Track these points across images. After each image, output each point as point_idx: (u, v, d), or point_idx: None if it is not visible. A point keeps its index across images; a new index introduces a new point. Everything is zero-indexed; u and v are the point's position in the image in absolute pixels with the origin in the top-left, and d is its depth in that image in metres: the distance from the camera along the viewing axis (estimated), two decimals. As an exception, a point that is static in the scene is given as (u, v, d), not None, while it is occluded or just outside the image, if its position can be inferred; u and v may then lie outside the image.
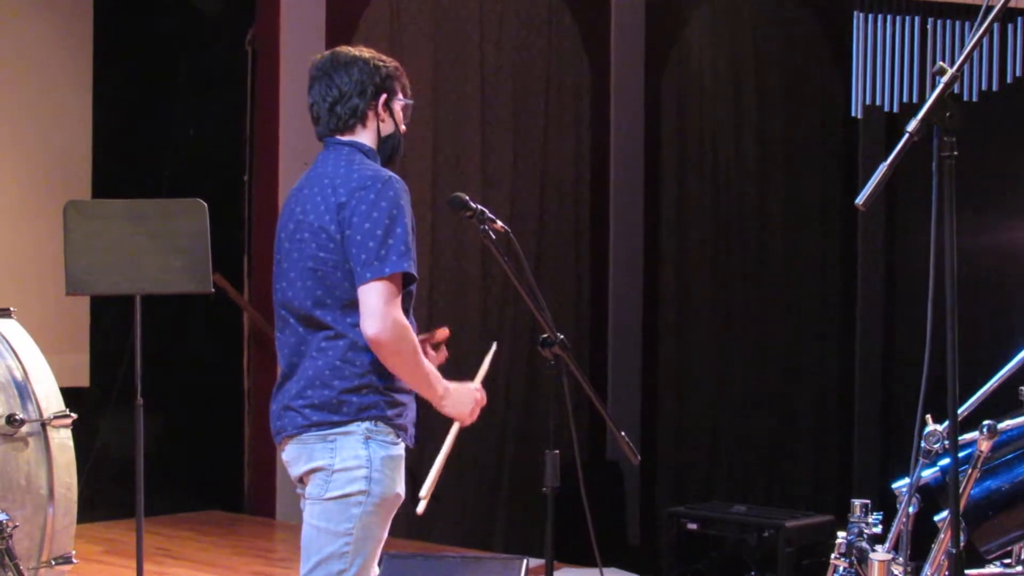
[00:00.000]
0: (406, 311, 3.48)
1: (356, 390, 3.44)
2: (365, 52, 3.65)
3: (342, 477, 3.43)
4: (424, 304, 8.45)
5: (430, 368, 3.53)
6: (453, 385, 3.58)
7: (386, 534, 3.52)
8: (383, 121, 3.62)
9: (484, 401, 3.65)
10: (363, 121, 3.59)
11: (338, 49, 3.67)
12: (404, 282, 3.45)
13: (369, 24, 8.43)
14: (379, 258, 3.37)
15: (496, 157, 9.11)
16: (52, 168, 7.83)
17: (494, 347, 3.88)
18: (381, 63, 3.62)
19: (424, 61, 8.66)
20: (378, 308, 3.37)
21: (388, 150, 3.64)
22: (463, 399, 3.59)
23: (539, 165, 9.40)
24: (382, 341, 3.38)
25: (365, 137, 3.60)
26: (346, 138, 3.59)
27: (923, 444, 3.51)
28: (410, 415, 3.55)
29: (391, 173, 3.50)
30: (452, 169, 8.84)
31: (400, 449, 3.50)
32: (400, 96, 3.65)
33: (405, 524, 7.54)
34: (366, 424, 3.43)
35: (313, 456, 3.46)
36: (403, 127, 3.67)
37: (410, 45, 8.54)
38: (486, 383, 3.69)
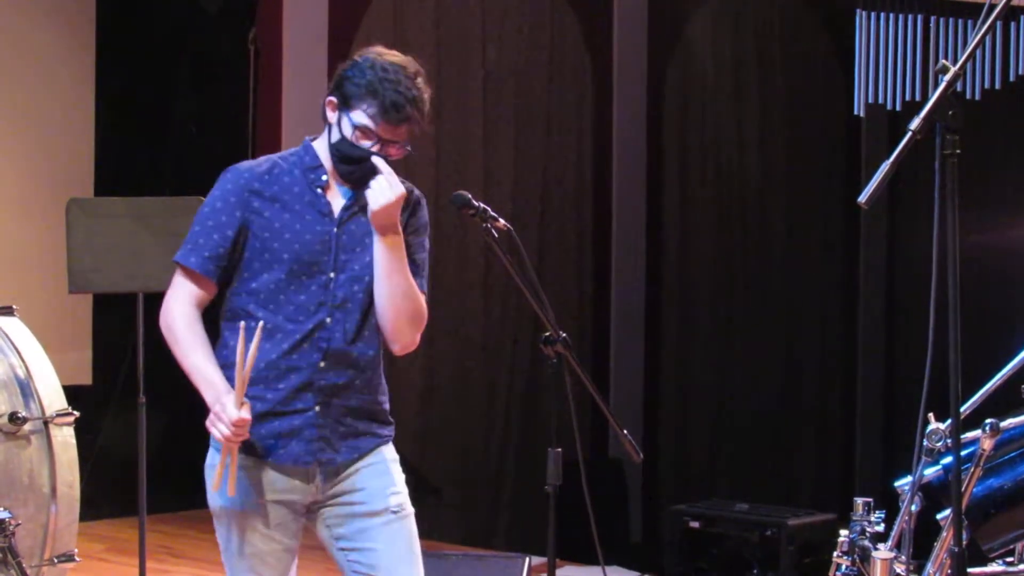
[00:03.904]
0: (237, 312, 3.37)
1: None
2: (385, 56, 3.39)
3: None
4: (426, 301, 8.42)
5: (200, 367, 3.35)
6: (216, 402, 3.30)
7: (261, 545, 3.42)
8: (332, 123, 3.36)
9: (240, 422, 3.25)
10: (325, 116, 3.40)
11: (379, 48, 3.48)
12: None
13: (371, 22, 8.43)
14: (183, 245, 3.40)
15: (498, 155, 9.11)
16: (55, 165, 7.83)
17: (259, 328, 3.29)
18: (371, 69, 3.30)
19: (426, 59, 8.62)
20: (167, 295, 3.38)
21: (336, 157, 3.36)
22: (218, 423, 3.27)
23: (541, 163, 9.39)
24: (161, 327, 3.39)
25: (323, 135, 3.43)
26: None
27: (925, 442, 3.51)
28: (265, 429, 3.38)
29: (241, 163, 3.40)
30: (454, 167, 8.84)
31: (245, 460, 3.36)
32: (363, 116, 3.28)
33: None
34: None
35: None
36: (364, 144, 3.29)
37: (412, 43, 8.54)
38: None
